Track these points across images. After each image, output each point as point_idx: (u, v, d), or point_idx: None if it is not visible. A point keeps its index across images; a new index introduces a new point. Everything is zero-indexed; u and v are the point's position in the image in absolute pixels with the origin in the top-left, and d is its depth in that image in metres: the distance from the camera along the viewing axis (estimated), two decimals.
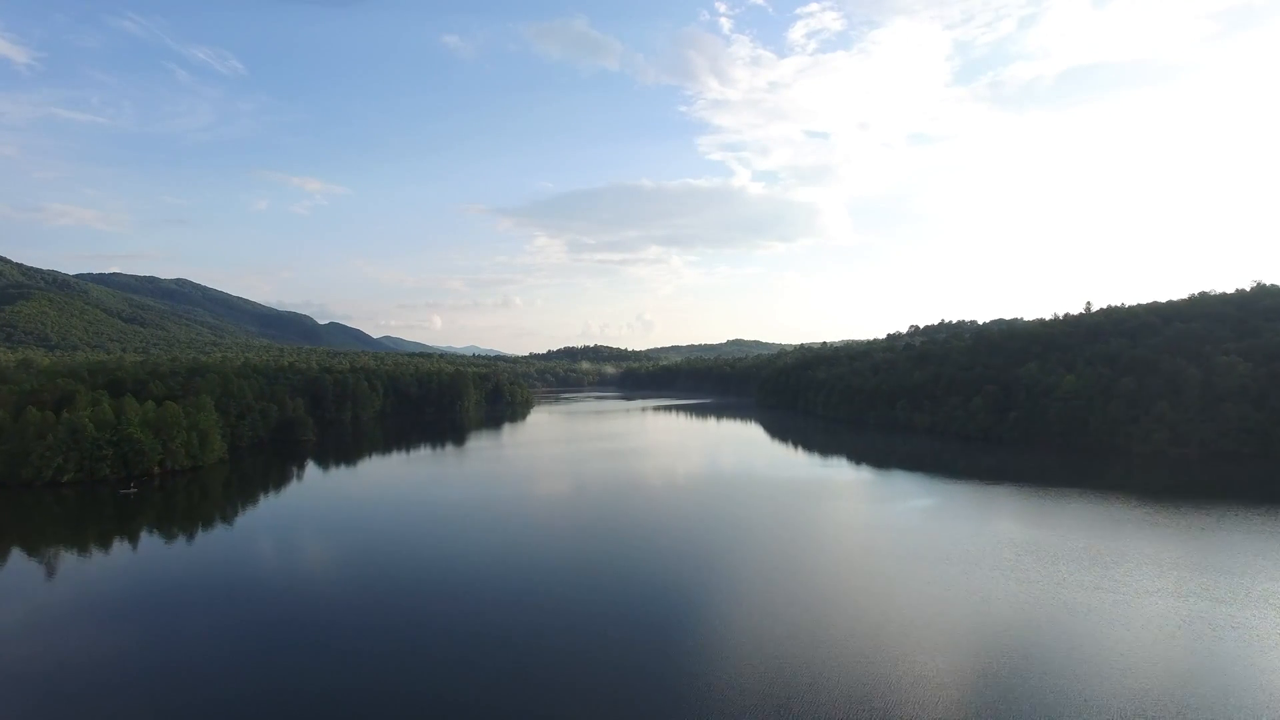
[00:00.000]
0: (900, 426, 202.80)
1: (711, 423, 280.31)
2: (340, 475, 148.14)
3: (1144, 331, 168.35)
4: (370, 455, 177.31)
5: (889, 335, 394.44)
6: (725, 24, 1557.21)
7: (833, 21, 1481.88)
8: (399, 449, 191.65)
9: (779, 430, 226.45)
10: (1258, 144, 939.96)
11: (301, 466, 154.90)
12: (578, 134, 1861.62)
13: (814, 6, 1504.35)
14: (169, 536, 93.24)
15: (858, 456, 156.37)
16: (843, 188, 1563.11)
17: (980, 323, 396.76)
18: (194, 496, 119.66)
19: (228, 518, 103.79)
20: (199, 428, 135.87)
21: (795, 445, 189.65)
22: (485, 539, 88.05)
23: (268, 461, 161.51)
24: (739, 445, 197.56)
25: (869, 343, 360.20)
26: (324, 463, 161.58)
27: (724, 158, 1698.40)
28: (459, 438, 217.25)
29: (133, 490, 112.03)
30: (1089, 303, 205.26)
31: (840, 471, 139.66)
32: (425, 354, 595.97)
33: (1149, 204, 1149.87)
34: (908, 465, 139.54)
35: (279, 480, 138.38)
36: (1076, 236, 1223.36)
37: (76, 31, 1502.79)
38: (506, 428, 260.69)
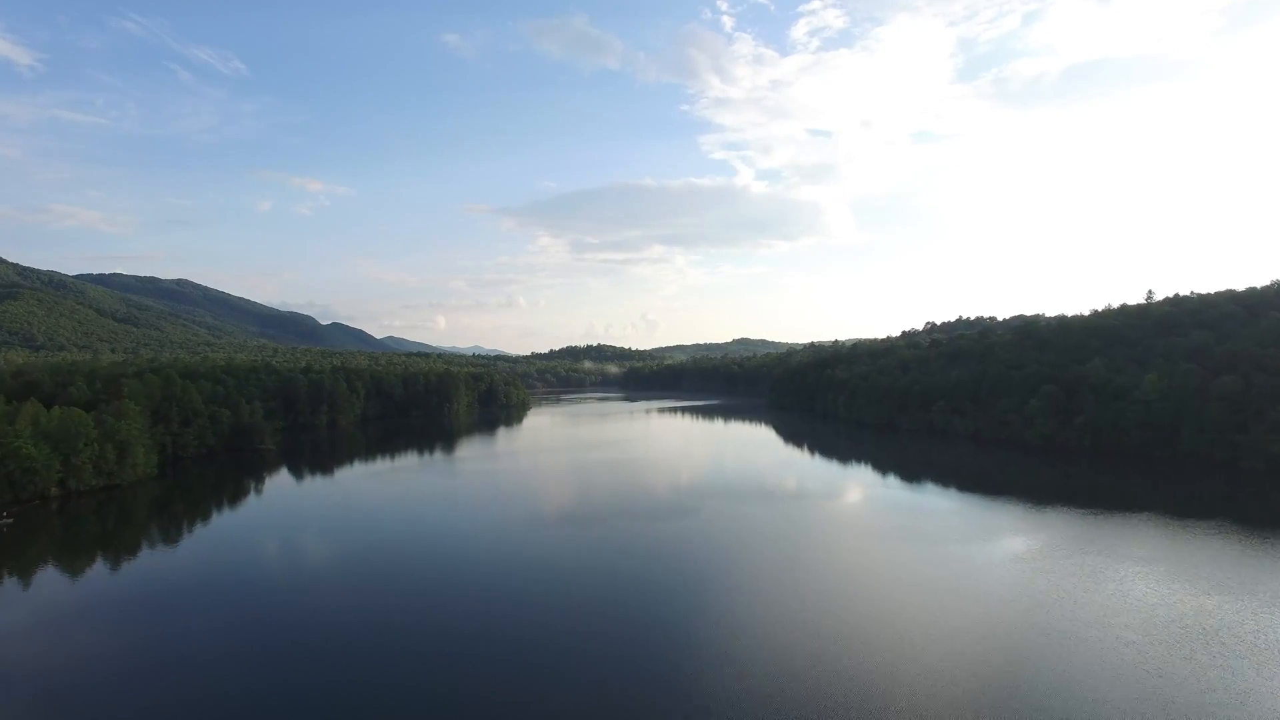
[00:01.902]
0: (938, 432, 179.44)
1: (724, 427, 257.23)
2: (293, 492, 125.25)
3: (1227, 322, 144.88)
4: (334, 467, 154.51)
5: (904, 333, 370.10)
6: (727, 22, 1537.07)
7: (835, 19, 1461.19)
8: (370, 458, 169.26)
9: (801, 437, 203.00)
10: (1266, 141, 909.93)
11: (252, 481, 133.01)
12: (580, 133, 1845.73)
13: (816, 4, 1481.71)
14: (65, 573, 72.86)
15: (901, 471, 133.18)
16: (846, 186, 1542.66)
17: (1000, 319, 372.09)
18: (103, 523, 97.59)
19: (128, 553, 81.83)
20: (117, 438, 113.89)
21: (824, 456, 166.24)
22: (455, 574, 66.18)
23: (217, 475, 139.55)
24: (758, 456, 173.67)
25: (887, 340, 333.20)
26: (279, 476, 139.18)
27: (726, 156, 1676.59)
28: (441, 445, 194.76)
29: (6, 520, 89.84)
30: (1150, 292, 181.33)
31: (889, 492, 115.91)
32: (423, 354, 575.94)
33: (1156, 200, 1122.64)
34: (967, 485, 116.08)
35: (218, 500, 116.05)
36: (1085, 233, 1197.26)
37: (78, 32, 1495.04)
38: (496, 433, 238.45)
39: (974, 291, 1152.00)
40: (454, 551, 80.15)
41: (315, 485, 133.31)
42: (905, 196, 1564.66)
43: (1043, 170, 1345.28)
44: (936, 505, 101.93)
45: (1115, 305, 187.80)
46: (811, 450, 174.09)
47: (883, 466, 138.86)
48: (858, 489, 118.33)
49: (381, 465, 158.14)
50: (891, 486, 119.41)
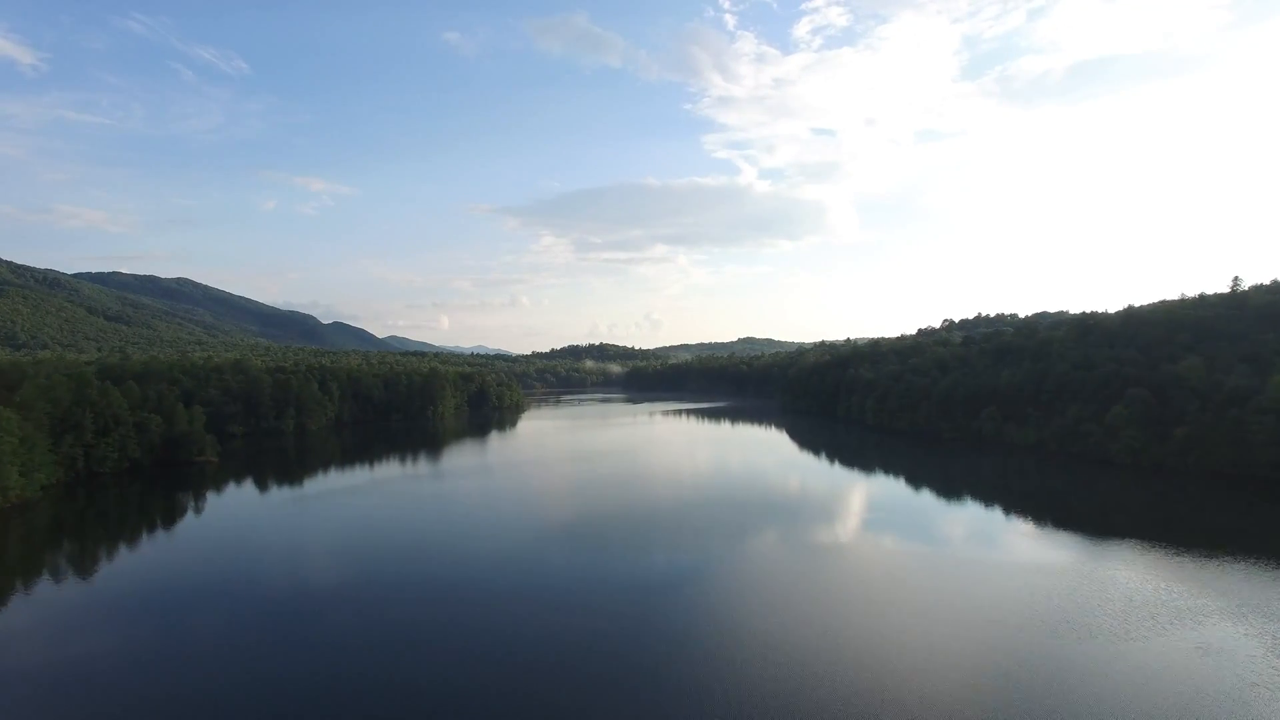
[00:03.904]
0: (988, 442, 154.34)
1: (737, 434, 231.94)
2: (216, 518, 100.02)
3: None
4: (281, 484, 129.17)
5: (921, 330, 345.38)
6: (729, 20, 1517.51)
7: (838, 17, 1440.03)
8: (328, 472, 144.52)
9: (827, 448, 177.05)
10: (1276, 137, 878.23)
11: (179, 500, 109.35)
12: (582, 132, 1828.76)
13: (819, 1, 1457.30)
14: None
15: (961, 493, 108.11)
16: (850, 185, 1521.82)
17: (1021, 315, 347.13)
18: None
19: None
20: None
21: (863, 471, 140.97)
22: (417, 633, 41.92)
23: (141, 495, 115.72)
24: (782, 474, 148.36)
25: (904, 338, 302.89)
26: (206, 498, 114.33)
27: (730, 155, 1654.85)
28: (412, 455, 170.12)
29: None
30: (1237, 278, 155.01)
31: (971, 526, 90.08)
32: (419, 353, 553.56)
33: (1163, 197, 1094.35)
34: (1057, 518, 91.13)
35: (106, 531, 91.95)
36: (1092, 230, 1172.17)
37: (82, 32, 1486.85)
38: (480, 440, 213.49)
39: (981, 289, 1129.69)
40: (394, 612, 55.74)
41: (248, 509, 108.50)
42: (910, 195, 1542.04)
43: (1048, 168, 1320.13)
44: (1033, 556, 76.80)
45: (1192, 294, 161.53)
46: (852, 466, 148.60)
47: (938, 487, 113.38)
48: (917, 527, 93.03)
49: (338, 482, 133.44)
50: (970, 520, 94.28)
